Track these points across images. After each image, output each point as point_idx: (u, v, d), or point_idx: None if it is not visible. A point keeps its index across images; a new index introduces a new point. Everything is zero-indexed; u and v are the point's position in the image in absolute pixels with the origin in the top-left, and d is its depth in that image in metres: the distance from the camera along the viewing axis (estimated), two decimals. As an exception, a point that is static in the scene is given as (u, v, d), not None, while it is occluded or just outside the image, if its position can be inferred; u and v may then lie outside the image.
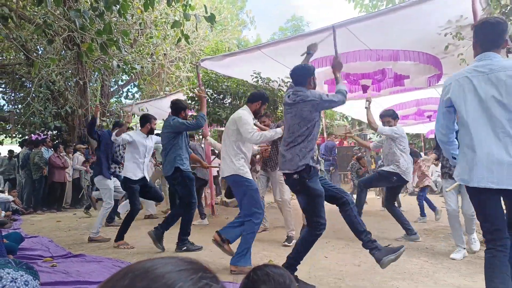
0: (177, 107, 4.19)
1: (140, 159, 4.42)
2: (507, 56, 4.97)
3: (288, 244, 4.19)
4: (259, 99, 3.50)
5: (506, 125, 1.94)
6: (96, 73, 10.48)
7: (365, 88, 5.96)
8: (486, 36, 2.09)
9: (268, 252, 3.94)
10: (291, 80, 6.97)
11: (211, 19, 4.28)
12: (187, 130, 4.11)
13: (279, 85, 6.98)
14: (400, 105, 8.50)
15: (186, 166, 4.06)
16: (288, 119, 2.85)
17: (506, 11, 5.69)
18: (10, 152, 9.22)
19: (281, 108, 6.43)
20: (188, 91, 8.69)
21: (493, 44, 2.08)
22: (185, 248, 4.06)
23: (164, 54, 11.41)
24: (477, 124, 2.01)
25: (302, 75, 2.92)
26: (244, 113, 3.39)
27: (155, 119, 4.69)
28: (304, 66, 3.02)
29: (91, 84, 10.01)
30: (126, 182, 4.37)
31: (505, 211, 2.06)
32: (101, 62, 9.03)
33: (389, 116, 4.51)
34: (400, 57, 5.15)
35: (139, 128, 4.66)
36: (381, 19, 4.55)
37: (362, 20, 4.68)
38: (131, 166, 4.37)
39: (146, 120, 4.50)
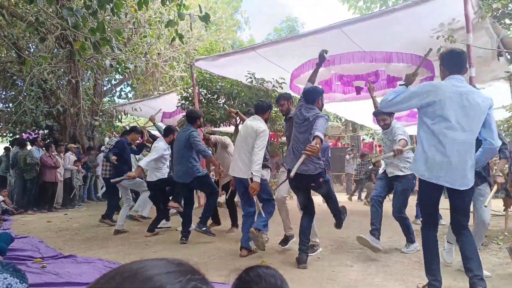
0: (193, 116, 4.59)
1: (164, 165, 5.13)
2: (498, 60, 5.04)
3: (284, 246, 4.03)
4: (269, 108, 4.03)
5: (470, 137, 2.40)
6: (89, 72, 10.38)
7: (358, 90, 5.99)
8: (454, 62, 2.55)
9: (260, 253, 3.94)
10: (285, 81, 6.96)
11: (205, 18, 4.27)
12: (195, 149, 4.45)
13: (273, 85, 6.99)
14: (393, 107, 8.56)
15: (202, 170, 4.57)
16: (297, 129, 3.44)
17: (498, 14, 5.77)
18: (7, 149, 9.04)
19: (275, 109, 6.44)
20: (182, 91, 8.65)
21: (459, 70, 2.54)
22: (204, 228, 4.38)
23: (158, 53, 11.35)
24: (451, 134, 2.40)
25: (312, 95, 3.47)
26: (267, 129, 3.84)
27: (177, 131, 5.16)
28: (315, 88, 3.62)
29: (83, 83, 9.91)
30: (158, 185, 5.06)
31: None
32: (94, 61, 8.95)
33: (384, 114, 4.11)
34: (393, 59, 5.19)
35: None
36: (375, 21, 4.58)
37: (356, 22, 4.70)
38: (157, 171, 5.02)
39: (171, 132, 5.08)
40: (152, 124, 6.33)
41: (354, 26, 4.72)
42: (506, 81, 6.06)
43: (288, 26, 24.61)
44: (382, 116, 4.13)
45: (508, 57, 5.11)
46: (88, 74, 10.93)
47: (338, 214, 3.71)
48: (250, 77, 6.88)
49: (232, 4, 19.28)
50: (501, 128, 7.96)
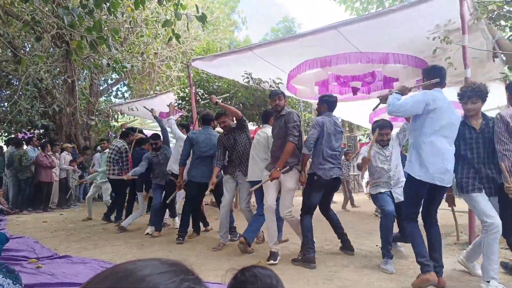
0: (208, 119, 4.83)
1: None
2: (494, 61, 5.07)
3: (274, 262, 3.50)
4: (271, 114, 4.23)
5: (452, 143, 2.78)
6: (85, 71, 10.33)
7: (355, 90, 6.00)
8: (437, 77, 2.86)
9: (256, 253, 3.95)
10: (282, 81, 6.93)
11: (202, 18, 4.26)
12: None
13: (270, 85, 6.98)
14: (389, 108, 8.57)
15: None
16: (333, 136, 3.72)
17: (493, 16, 5.81)
18: (0, 148, 8.97)
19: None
20: (178, 90, 8.62)
21: (440, 83, 2.87)
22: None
23: (155, 53, 11.32)
24: (442, 140, 2.73)
25: (335, 104, 3.89)
26: None
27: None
28: (334, 97, 3.97)
29: (79, 82, 9.88)
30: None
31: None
32: (91, 60, 8.91)
33: (389, 128, 3.82)
34: (390, 60, 5.20)
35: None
36: (371, 22, 4.58)
37: (353, 23, 4.71)
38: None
39: (187, 130, 5.27)
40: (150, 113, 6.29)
41: (351, 27, 4.73)
42: (501, 82, 6.09)
43: (285, 26, 24.64)
44: (386, 130, 3.80)
45: (504, 58, 5.14)
46: (84, 74, 10.88)
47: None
48: (247, 77, 6.87)
49: (229, 4, 19.26)
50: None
